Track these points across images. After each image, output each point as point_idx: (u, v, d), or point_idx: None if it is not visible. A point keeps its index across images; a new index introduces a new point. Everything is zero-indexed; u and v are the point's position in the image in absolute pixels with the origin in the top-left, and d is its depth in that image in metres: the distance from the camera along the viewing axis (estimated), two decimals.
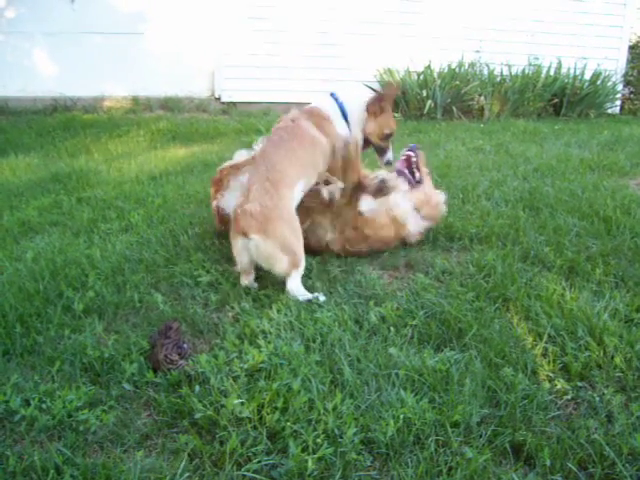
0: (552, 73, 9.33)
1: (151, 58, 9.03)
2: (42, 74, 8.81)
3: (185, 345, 2.41)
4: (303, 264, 2.95)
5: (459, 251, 3.57)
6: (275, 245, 2.82)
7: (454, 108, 8.71)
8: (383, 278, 3.20)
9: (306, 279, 3.08)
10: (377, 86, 9.29)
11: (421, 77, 8.91)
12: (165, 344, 2.31)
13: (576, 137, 7.21)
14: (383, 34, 9.32)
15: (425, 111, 8.55)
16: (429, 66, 8.99)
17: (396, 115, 8.87)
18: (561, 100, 9.19)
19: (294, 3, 9.15)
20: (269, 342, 2.43)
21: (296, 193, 3.06)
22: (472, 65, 9.17)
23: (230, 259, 3.31)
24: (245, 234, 2.82)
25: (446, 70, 8.99)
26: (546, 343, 2.50)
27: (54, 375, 2.27)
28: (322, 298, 2.88)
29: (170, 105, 9.01)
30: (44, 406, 2.09)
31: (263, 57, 9.13)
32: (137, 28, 8.95)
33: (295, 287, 2.90)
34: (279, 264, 2.87)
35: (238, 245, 2.90)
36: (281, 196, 2.91)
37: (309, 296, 2.88)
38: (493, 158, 5.96)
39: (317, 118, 3.30)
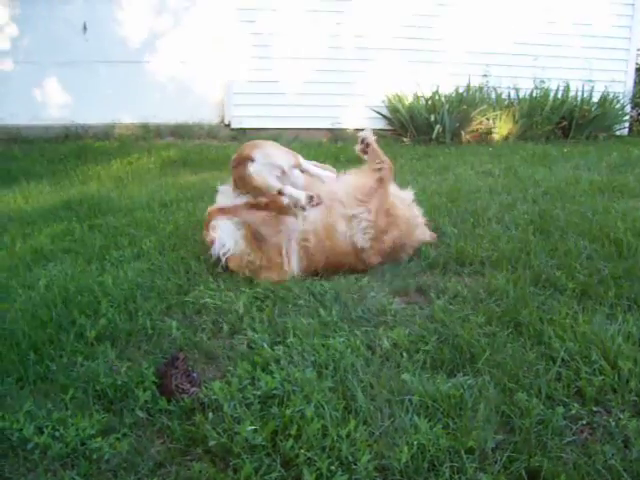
0: (560, 96, 9.37)
1: (161, 86, 9.18)
2: (54, 102, 8.96)
3: (194, 374, 2.41)
4: None
5: (470, 275, 3.57)
6: None
7: (462, 132, 8.75)
8: (395, 303, 3.19)
9: (319, 304, 3.08)
10: (385, 112, 9.38)
11: (429, 102, 8.96)
12: (174, 374, 2.32)
13: (585, 159, 7.21)
14: (391, 60, 9.41)
15: (434, 136, 8.60)
16: (437, 91, 9.05)
17: (404, 140, 8.94)
18: (569, 123, 9.21)
19: (301, 30, 9.27)
20: (282, 369, 2.43)
21: None
22: (480, 89, 9.23)
23: (241, 284, 3.34)
24: None
25: (454, 95, 9.05)
26: (560, 367, 2.48)
27: (67, 403, 2.28)
28: None
29: (180, 132, 9.11)
30: (57, 434, 2.10)
31: (271, 84, 9.24)
32: (147, 57, 9.14)
33: None
34: None
35: None
36: None
37: None
38: (502, 181, 5.96)
39: None
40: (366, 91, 9.47)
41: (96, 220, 4.81)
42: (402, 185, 5.80)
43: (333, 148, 8.38)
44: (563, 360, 2.52)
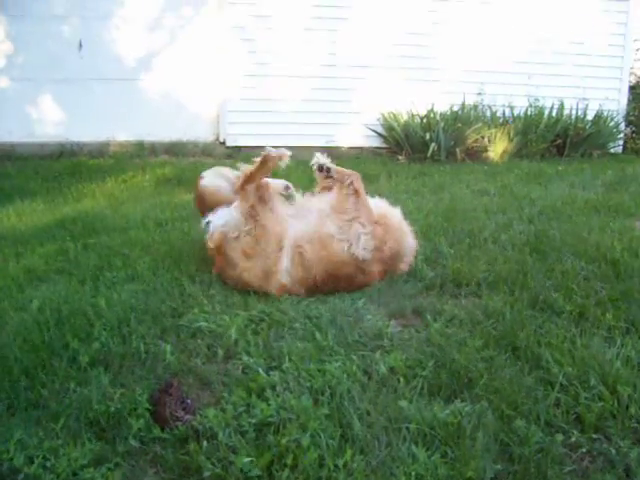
0: (554, 114, 9.41)
1: (155, 103, 9.18)
2: (49, 120, 8.94)
3: (189, 400, 2.38)
4: None
5: (467, 297, 3.54)
6: None
7: (457, 150, 8.77)
8: (391, 326, 3.15)
9: (314, 328, 3.05)
10: (381, 130, 9.40)
11: (424, 120, 8.99)
12: (168, 401, 2.28)
13: (580, 177, 7.22)
14: (386, 78, 9.42)
15: (429, 154, 8.60)
16: (432, 109, 9.07)
17: (400, 158, 8.95)
18: (564, 141, 9.24)
19: (296, 48, 9.29)
20: (277, 395, 2.39)
21: None
22: (474, 107, 9.26)
23: (237, 307, 3.31)
24: None
25: (449, 113, 9.07)
26: (558, 392, 2.45)
27: (59, 431, 2.23)
28: None
29: (175, 150, 9.10)
30: (48, 464, 2.05)
31: (266, 102, 9.24)
32: (142, 75, 9.14)
33: None
34: None
35: None
36: None
37: None
38: (498, 201, 5.96)
39: None
40: (361, 109, 9.49)
41: (90, 239, 4.76)
42: (397, 204, 5.85)
43: None
44: (562, 385, 2.50)
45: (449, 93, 9.39)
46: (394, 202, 5.73)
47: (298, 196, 4.04)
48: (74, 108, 8.89)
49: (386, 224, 3.68)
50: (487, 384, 2.49)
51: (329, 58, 9.41)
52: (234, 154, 9.19)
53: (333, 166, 3.74)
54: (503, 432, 2.20)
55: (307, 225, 3.62)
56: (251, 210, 3.57)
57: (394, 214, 3.86)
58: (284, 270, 3.51)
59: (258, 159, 3.62)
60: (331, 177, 3.73)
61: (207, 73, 9.23)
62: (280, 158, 3.61)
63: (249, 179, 3.61)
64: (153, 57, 9.14)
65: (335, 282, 3.55)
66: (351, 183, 3.62)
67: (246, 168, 3.66)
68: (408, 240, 3.82)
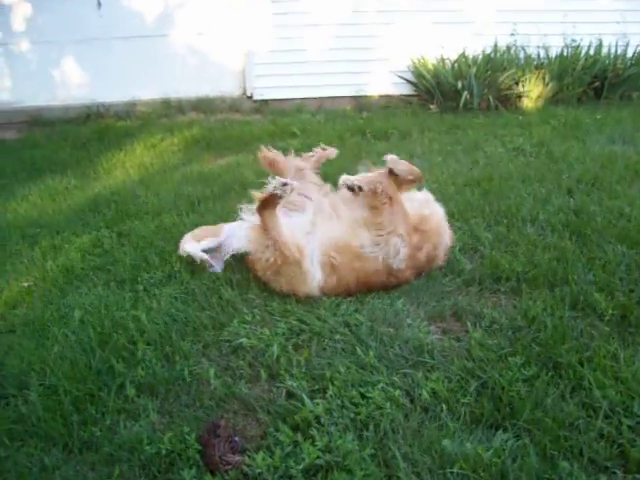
0: (592, 53, 8.98)
1: (180, 59, 9.01)
2: (73, 82, 8.86)
3: (236, 438, 2.42)
4: None
5: (507, 294, 3.50)
6: None
7: (490, 97, 8.47)
8: (431, 333, 3.14)
9: (355, 340, 3.05)
10: (410, 77, 9.13)
11: (455, 66, 8.68)
12: (217, 444, 2.32)
13: (620, 129, 6.97)
14: (414, 22, 9.06)
15: (461, 104, 8.34)
16: (463, 54, 8.75)
17: (431, 107, 8.73)
18: (602, 83, 8.84)
19: None
20: (322, 433, 2.42)
21: None
22: (507, 50, 8.89)
23: (276, 313, 3.33)
24: None
25: (481, 57, 8.74)
26: (601, 421, 2.43)
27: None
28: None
29: (202, 106, 8.96)
30: None
31: (293, 53, 8.98)
32: (164, 30, 8.91)
33: None
34: None
35: None
36: None
37: None
38: (534, 163, 5.81)
39: None
40: (391, 56, 9.18)
41: (124, 226, 4.78)
42: (432, 169, 5.73)
43: (359, 120, 8.20)
44: (605, 412, 2.47)
45: (480, 35, 8.98)
46: (429, 166, 5.65)
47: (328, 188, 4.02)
48: (97, 69, 8.78)
49: (424, 230, 3.60)
50: (529, 415, 2.47)
51: (356, 3, 9.06)
52: (262, 108, 9.05)
53: (362, 180, 3.54)
54: (546, 473, 2.20)
55: (340, 232, 3.56)
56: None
57: (435, 214, 3.74)
58: (315, 280, 3.49)
59: (263, 195, 3.46)
60: (362, 192, 3.55)
61: (232, 25, 8.96)
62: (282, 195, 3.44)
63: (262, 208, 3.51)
64: (175, 11, 8.88)
65: (367, 287, 3.55)
66: (383, 191, 3.51)
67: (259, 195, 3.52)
68: (445, 241, 3.74)
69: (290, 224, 3.61)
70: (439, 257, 3.72)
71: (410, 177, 3.68)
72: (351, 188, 3.53)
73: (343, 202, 3.75)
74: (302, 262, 3.48)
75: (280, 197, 3.39)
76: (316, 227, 3.63)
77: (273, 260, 3.50)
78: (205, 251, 3.86)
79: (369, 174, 3.64)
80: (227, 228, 4.00)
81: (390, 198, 3.49)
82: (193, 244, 3.90)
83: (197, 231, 4.09)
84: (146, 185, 5.85)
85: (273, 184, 3.37)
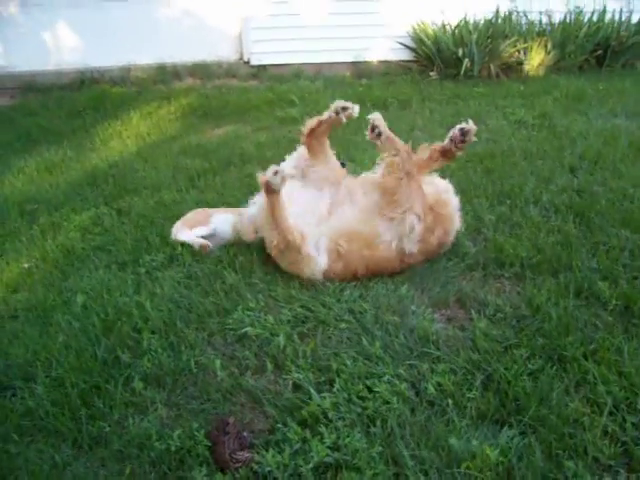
0: (595, 20, 8.83)
1: (176, 23, 8.85)
2: (66, 46, 8.71)
3: (245, 434, 2.43)
4: None
5: (510, 280, 3.49)
6: None
7: (492, 65, 8.35)
8: (435, 322, 3.14)
9: (360, 329, 3.05)
10: (410, 42, 8.98)
11: (456, 32, 8.53)
12: (226, 441, 2.33)
13: (623, 101, 6.89)
14: None
15: (462, 71, 8.22)
16: (464, 19, 8.59)
17: (431, 74, 8.60)
18: (605, 51, 8.72)
19: None
20: (330, 430, 2.43)
21: None
22: (509, 16, 8.72)
23: (280, 300, 3.31)
24: None
25: (482, 22, 8.58)
26: (607, 417, 2.45)
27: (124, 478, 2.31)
28: None
29: (198, 72, 8.82)
30: None
31: (290, 17, 8.82)
32: None
33: None
34: None
35: None
36: None
37: None
38: (537, 137, 5.76)
39: None
40: (390, 21, 9.02)
41: (123, 202, 4.74)
42: (434, 141, 5.69)
43: (358, 87, 8.10)
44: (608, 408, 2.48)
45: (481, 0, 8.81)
46: (430, 139, 5.61)
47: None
48: (91, 33, 8.60)
49: (439, 213, 3.56)
50: (535, 412, 2.48)
51: None
52: (259, 73, 8.91)
53: (387, 131, 3.48)
54: (551, 473, 2.22)
55: (352, 219, 3.53)
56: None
57: (452, 201, 3.69)
58: (317, 265, 3.48)
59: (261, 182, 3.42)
60: (378, 139, 3.49)
61: None
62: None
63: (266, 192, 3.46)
64: None
65: (375, 272, 3.53)
66: (398, 164, 3.45)
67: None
68: (455, 227, 3.70)
69: (301, 206, 3.62)
70: (447, 244, 3.70)
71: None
72: (373, 128, 3.48)
73: (361, 185, 3.71)
74: (302, 247, 3.47)
75: (275, 185, 3.35)
76: (327, 214, 3.61)
77: (276, 243, 3.48)
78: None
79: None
80: (215, 220, 4.02)
81: (407, 173, 3.43)
82: (186, 232, 3.91)
83: (190, 215, 4.09)
84: (144, 158, 5.79)
85: (269, 171, 3.34)
